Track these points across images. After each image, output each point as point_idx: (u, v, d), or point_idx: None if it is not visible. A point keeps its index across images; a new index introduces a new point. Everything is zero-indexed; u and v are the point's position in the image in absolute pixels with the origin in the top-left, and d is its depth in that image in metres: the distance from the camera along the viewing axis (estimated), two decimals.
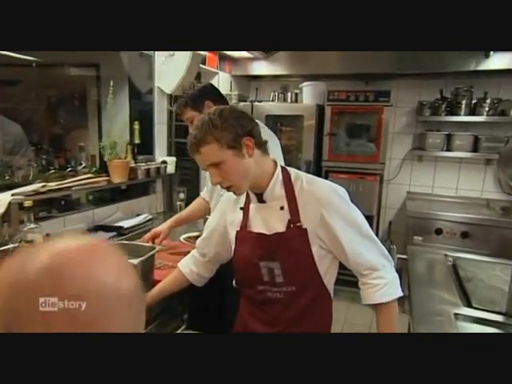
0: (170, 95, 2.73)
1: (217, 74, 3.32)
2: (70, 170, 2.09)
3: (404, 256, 1.89)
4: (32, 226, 1.48)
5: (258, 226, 1.18)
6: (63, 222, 1.96)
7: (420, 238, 2.91)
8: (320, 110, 3.35)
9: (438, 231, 2.98)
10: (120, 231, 2.09)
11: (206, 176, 1.97)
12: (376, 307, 1.14)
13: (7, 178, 1.78)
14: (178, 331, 1.55)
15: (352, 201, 1.17)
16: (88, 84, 2.52)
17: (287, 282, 1.15)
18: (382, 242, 1.19)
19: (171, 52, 2.55)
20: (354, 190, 3.20)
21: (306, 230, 1.12)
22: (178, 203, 2.62)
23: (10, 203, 1.53)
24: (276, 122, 3.54)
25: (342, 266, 1.20)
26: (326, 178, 3.27)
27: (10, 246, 1.40)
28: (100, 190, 2.13)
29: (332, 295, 1.22)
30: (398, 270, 1.24)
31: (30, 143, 2.05)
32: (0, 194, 1.58)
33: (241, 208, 1.22)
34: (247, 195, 1.21)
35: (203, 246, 1.35)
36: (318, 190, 1.14)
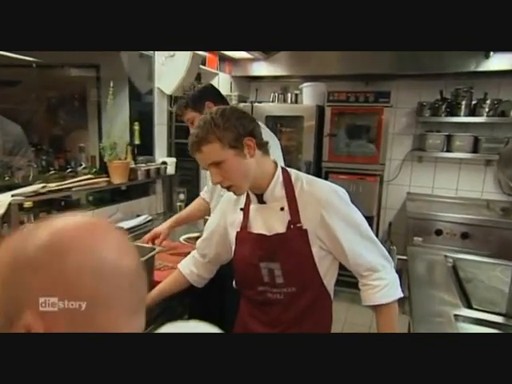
0: (170, 96, 2.73)
1: (217, 74, 3.32)
2: (70, 171, 2.09)
3: (404, 257, 1.89)
4: None
5: (258, 227, 1.18)
6: None
7: (420, 239, 2.91)
8: (320, 110, 3.35)
9: (438, 232, 2.98)
10: None
11: (206, 176, 1.97)
12: (376, 308, 1.14)
13: (7, 178, 1.78)
14: None
15: (352, 201, 1.17)
16: (88, 85, 2.52)
17: (287, 283, 1.15)
18: (381, 242, 1.19)
19: (171, 53, 2.55)
20: (353, 190, 3.19)
21: (306, 230, 1.12)
22: (178, 204, 2.62)
23: (9, 204, 1.53)
24: (276, 123, 3.54)
25: (342, 267, 1.20)
26: (326, 178, 3.27)
27: None
28: (100, 190, 2.13)
29: (332, 296, 1.22)
30: (398, 271, 1.24)
31: (30, 144, 2.05)
32: (0, 195, 1.58)
33: (241, 209, 1.22)
34: (247, 196, 1.21)
35: (203, 247, 1.35)
36: (318, 190, 1.14)
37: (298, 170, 1.24)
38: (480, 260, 1.87)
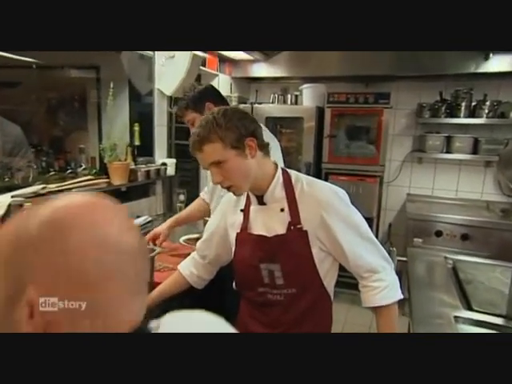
0: (170, 97, 2.73)
1: (217, 76, 3.32)
2: (70, 172, 2.09)
3: (404, 258, 1.89)
4: None
5: (258, 228, 1.18)
6: None
7: (420, 240, 2.90)
8: (320, 112, 3.35)
9: (438, 233, 2.98)
10: None
11: (206, 177, 1.97)
12: (376, 310, 1.13)
13: (7, 179, 1.78)
14: None
15: (352, 203, 1.17)
16: (88, 86, 2.52)
17: (287, 284, 1.15)
18: (381, 244, 1.19)
19: (171, 54, 2.55)
20: (353, 191, 3.20)
21: (306, 232, 1.12)
22: (178, 205, 2.61)
23: (9, 205, 1.53)
24: (276, 124, 3.54)
25: (342, 268, 1.20)
26: (326, 179, 3.27)
27: None
28: (100, 191, 2.13)
29: (332, 297, 1.22)
30: (398, 272, 1.24)
31: (30, 145, 2.05)
32: (0, 196, 1.57)
33: (241, 210, 1.22)
34: (247, 197, 1.21)
35: (203, 248, 1.35)
36: (318, 192, 1.14)
37: (298, 171, 1.24)
38: (480, 261, 1.87)
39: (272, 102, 3.63)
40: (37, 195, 1.67)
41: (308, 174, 1.24)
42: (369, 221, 1.48)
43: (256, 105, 3.42)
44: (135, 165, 2.34)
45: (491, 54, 2.84)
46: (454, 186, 3.48)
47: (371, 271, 1.13)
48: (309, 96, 3.44)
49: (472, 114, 3.16)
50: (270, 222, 1.16)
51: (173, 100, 2.72)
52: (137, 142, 2.39)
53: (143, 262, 0.54)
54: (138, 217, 2.38)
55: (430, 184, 3.56)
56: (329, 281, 1.18)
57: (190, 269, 1.36)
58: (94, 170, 2.11)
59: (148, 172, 2.38)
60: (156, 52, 2.58)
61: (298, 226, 1.12)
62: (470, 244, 2.89)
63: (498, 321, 1.29)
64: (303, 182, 1.16)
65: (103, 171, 2.14)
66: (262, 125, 1.34)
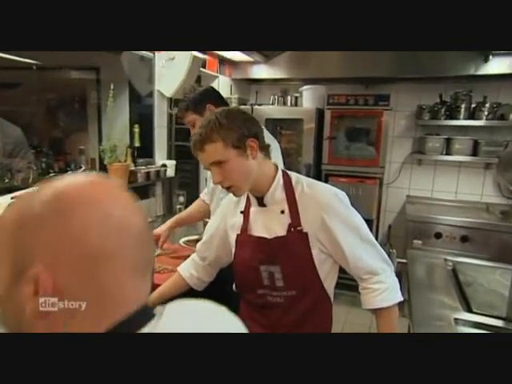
0: (170, 98, 2.73)
1: (217, 77, 3.33)
2: (70, 173, 2.09)
3: (404, 260, 1.89)
4: None
5: (258, 230, 1.18)
6: None
7: (419, 242, 2.91)
8: (320, 113, 3.36)
9: (438, 235, 2.98)
10: None
11: (207, 178, 1.97)
12: (376, 312, 1.14)
13: (7, 180, 1.78)
14: None
15: (352, 204, 1.17)
16: (88, 87, 2.53)
17: (287, 287, 1.15)
18: (381, 245, 1.19)
19: (171, 55, 2.56)
20: (353, 193, 3.20)
21: (306, 233, 1.12)
22: (178, 206, 2.61)
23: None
24: (276, 126, 3.54)
25: (342, 270, 1.20)
26: (326, 181, 3.27)
27: None
28: None
29: (332, 299, 1.22)
30: (398, 274, 1.24)
31: (30, 146, 2.05)
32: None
33: (241, 212, 1.22)
34: (248, 199, 1.21)
35: (203, 250, 1.35)
36: (318, 193, 1.14)
37: (298, 172, 1.24)
38: (480, 263, 1.87)
39: (272, 104, 3.63)
40: None
41: (308, 176, 1.24)
42: (368, 222, 1.49)
43: (256, 106, 3.42)
44: (135, 166, 2.34)
45: (491, 56, 2.85)
46: (453, 188, 3.48)
47: (371, 273, 1.13)
48: (309, 98, 3.45)
49: (472, 116, 3.16)
50: (270, 224, 1.16)
51: (173, 101, 2.72)
52: (137, 144, 2.39)
53: (147, 243, 0.54)
54: None
55: (429, 186, 3.56)
56: (329, 283, 1.18)
57: (190, 271, 1.36)
58: (94, 171, 2.11)
59: (148, 173, 2.38)
60: (156, 53, 2.59)
61: (299, 228, 1.12)
62: (469, 246, 2.89)
63: (498, 323, 1.29)
64: (303, 183, 1.16)
65: (103, 172, 2.14)
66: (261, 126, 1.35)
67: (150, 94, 2.62)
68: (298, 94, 3.57)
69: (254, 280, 1.18)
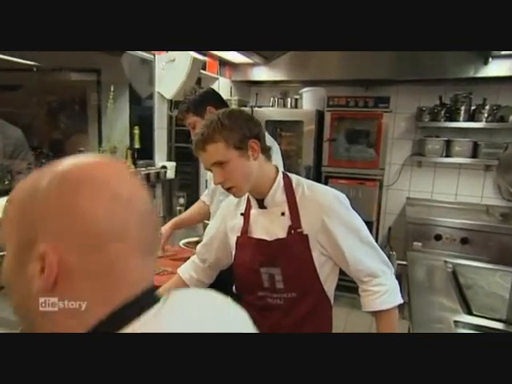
0: (170, 100, 2.73)
1: (217, 79, 3.33)
2: None
3: (404, 262, 1.89)
4: None
5: (258, 232, 1.18)
6: None
7: (419, 244, 2.91)
8: (320, 115, 3.36)
9: (438, 237, 2.98)
10: None
11: (207, 178, 1.97)
12: (376, 314, 1.14)
13: (7, 182, 1.78)
14: None
15: (352, 207, 1.18)
16: (88, 89, 2.52)
17: (288, 289, 1.15)
18: (381, 247, 1.19)
19: (171, 57, 2.56)
20: (353, 195, 3.19)
21: (306, 236, 1.12)
22: (178, 208, 2.61)
23: None
24: (276, 128, 3.54)
25: (342, 272, 1.20)
26: (326, 183, 3.28)
27: None
28: None
29: (332, 301, 1.22)
30: (398, 276, 1.24)
31: (31, 147, 2.05)
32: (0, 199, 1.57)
33: (241, 214, 1.22)
34: (248, 201, 1.21)
35: (203, 252, 1.35)
36: (319, 196, 1.14)
37: (298, 174, 1.24)
38: (480, 266, 1.87)
39: (272, 106, 3.64)
40: None
41: (308, 178, 1.24)
42: (368, 225, 1.48)
43: (256, 108, 3.43)
44: (135, 168, 2.34)
45: (490, 59, 2.85)
46: (453, 190, 3.49)
47: (371, 275, 1.13)
48: (309, 99, 3.45)
49: (471, 118, 3.17)
50: (270, 226, 1.16)
51: (173, 103, 2.73)
52: (137, 145, 2.39)
53: (154, 222, 0.54)
54: None
55: (429, 188, 3.56)
56: (329, 285, 1.18)
57: (190, 272, 1.36)
58: None
59: (148, 175, 2.38)
60: (156, 55, 2.59)
61: (299, 230, 1.12)
62: (469, 248, 2.89)
63: (498, 325, 1.29)
64: (304, 186, 1.16)
65: None
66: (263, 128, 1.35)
67: (150, 96, 2.63)
68: (297, 96, 3.57)
69: (254, 282, 1.17)
